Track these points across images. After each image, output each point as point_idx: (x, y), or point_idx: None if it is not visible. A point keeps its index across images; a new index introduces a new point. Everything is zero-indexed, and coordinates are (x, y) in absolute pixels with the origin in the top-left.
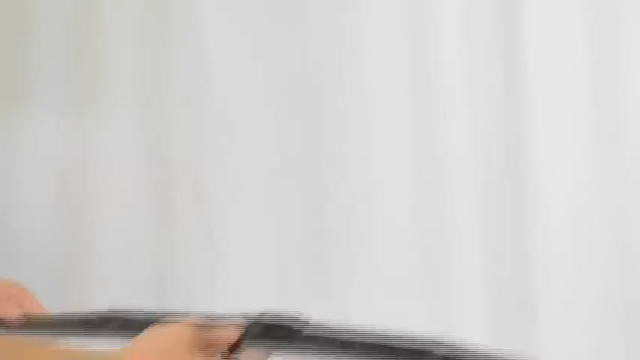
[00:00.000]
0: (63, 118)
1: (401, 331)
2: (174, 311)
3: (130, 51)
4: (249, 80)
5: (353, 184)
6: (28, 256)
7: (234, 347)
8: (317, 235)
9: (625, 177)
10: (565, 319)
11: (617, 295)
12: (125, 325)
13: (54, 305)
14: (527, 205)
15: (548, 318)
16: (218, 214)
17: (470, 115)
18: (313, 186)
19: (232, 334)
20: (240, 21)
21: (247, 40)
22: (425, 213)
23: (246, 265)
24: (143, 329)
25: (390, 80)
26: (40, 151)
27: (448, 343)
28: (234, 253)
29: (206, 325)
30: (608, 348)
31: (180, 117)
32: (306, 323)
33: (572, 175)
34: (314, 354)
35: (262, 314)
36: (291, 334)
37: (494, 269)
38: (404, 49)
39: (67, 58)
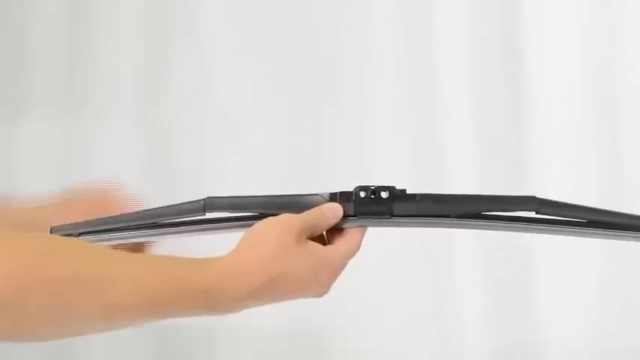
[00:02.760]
0: (63, 120)
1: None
2: None
3: (129, 52)
4: (248, 81)
5: (353, 185)
6: None
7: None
8: None
9: (625, 178)
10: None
11: (614, 295)
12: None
13: None
14: None
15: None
16: None
17: (470, 116)
18: (313, 187)
19: (331, 216)
20: (240, 21)
21: (247, 41)
22: None
23: None
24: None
25: (390, 80)
26: (40, 154)
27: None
28: None
29: (307, 212)
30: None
31: (180, 118)
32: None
33: (572, 176)
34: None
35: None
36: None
37: (495, 270)
38: (404, 50)
39: (66, 59)
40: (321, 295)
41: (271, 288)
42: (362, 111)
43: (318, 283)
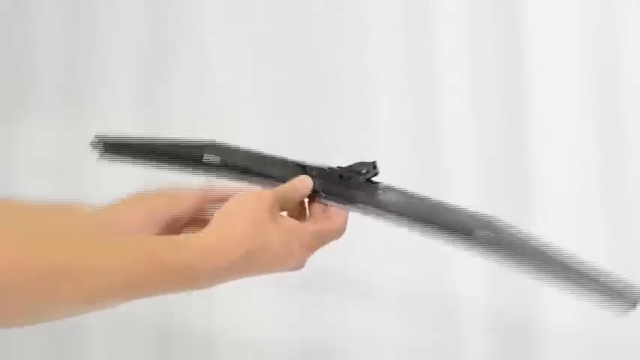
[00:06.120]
0: (63, 120)
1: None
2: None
3: (129, 52)
4: (249, 80)
5: None
6: None
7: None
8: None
9: (627, 177)
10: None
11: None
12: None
13: None
14: (528, 207)
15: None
16: None
17: (471, 116)
18: None
19: (302, 188)
20: (241, 20)
21: (247, 40)
22: None
23: None
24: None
25: (390, 79)
26: (40, 154)
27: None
28: None
29: (280, 186)
30: None
31: (180, 118)
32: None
33: (574, 175)
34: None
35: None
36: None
37: (495, 272)
38: (404, 48)
39: (66, 59)
40: (296, 269)
41: (247, 262)
42: (362, 111)
43: (293, 258)
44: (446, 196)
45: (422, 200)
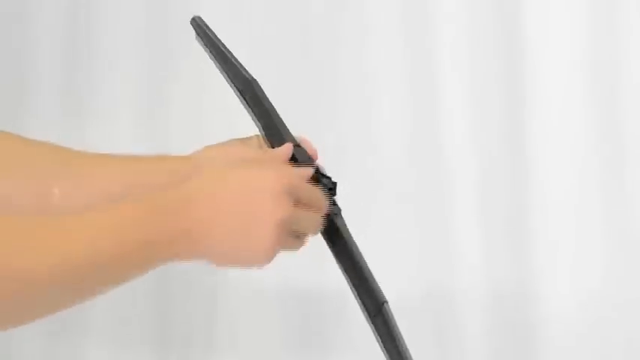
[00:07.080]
0: (63, 121)
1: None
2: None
3: (129, 52)
4: None
5: (351, 185)
6: None
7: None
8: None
9: (627, 177)
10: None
11: (617, 298)
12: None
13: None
14: (527, 207)
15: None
16: None
17: (471, 115)
18: None
19: (283, 155)
20: (241, 20)
21: (248, 39)
22: (425, 215)
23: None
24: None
25: (390, 79)
26: None
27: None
28: None
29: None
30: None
31: (181, 118)
32: None
33: (573, 175)
34: None
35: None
36: None
37: (495, 272)
38: (404, 48)
39: (67, 59)
40: (266, 257)
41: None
42: (362, 111)
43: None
44: (446, 196)
45: (352, 251)
